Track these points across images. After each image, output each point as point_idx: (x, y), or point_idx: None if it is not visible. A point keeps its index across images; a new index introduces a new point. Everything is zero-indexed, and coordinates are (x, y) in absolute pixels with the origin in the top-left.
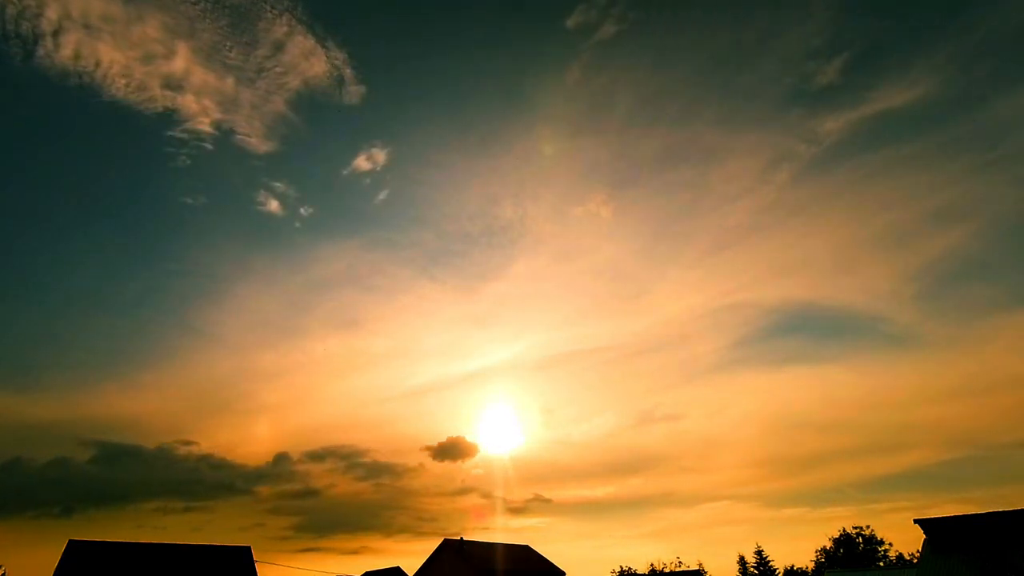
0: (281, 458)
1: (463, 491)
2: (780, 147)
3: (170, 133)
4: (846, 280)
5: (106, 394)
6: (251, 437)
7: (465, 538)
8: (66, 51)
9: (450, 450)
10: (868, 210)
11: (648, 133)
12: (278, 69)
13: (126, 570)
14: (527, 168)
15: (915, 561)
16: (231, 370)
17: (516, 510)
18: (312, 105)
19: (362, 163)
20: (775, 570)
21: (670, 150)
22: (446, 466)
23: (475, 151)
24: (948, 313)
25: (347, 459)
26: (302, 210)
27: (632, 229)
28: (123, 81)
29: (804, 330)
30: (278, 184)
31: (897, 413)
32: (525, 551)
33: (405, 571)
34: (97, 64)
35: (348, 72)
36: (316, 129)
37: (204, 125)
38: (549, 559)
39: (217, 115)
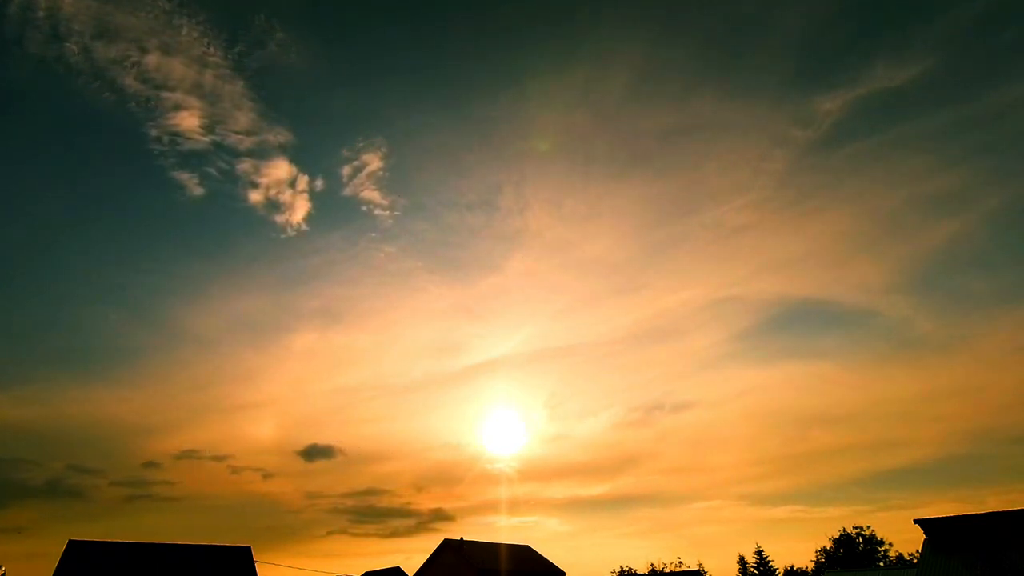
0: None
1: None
2: (777, 132)
3: (145, 130)
4: (842, 274)
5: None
6: (242, 435)
7: (465, 538)
8: (34, 51)
9: (316, 452)
10: (866, 200)
11: (645, 115)
12: (259, 64)
13: (126, 570)
14: (527, 156)
15: (915, 561)
16: (212, 369)
17: (506, 508)
18: (297, 97)
19: (350, 155)
20: (775, 570)
21: (668, 135)
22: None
23: (473, 137)
24: (946, 308)
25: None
26: (284, 203)
27: (627, 220)
28: (97, 83)
29: (801, 325)
30: (261, 179)
31: (895, 410)
32: (525, 551)
33: (405, 572)
34: (67, 65)
35: (334, 64)
36: (302, 121)
37: (183, 122)
38: (549, 559)
39: (196, 111)
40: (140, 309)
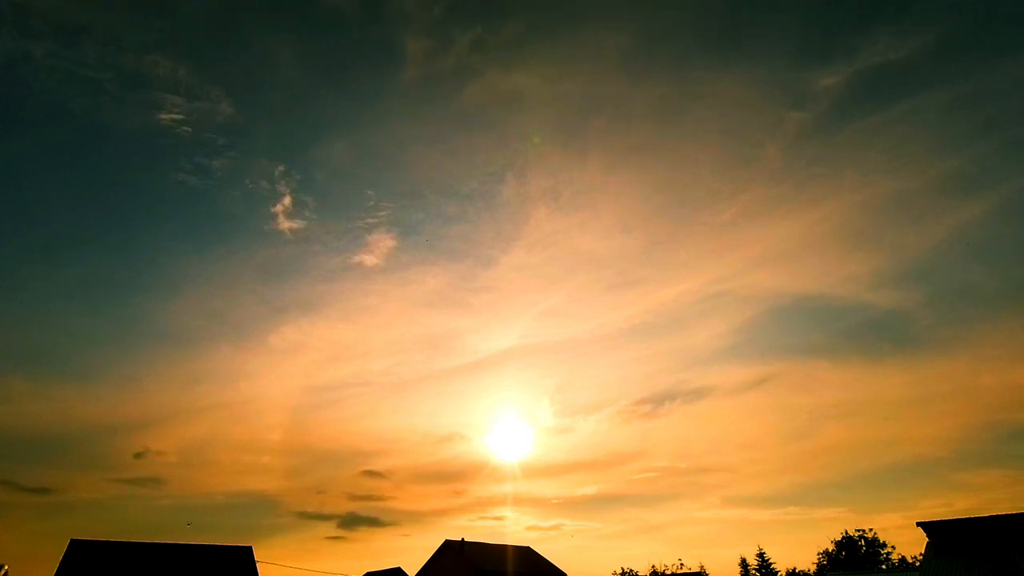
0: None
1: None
2: (774, 114)
3: (121, 127)
4: (840, 267)
5: None
6: (225, 433)
7: (466, 539)
8: (1, 49)
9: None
10: (866, 190)
11: (640, 86)
12: (243, 59)
13: (127, 569)
14: (525, 144)
15: (918, 564)
16: (191, 367)
17: (496, 507)
18: (279, 89)
19: (334, 145)
20: (776, 572)
21: (664, 123)
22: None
23: (470, 124)
24: (947, 303)
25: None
26: (267, 196)
27: (625, 214)
28: (69, 82)
29: (800, 321)
30: (243, 174)
31: (894, 407)
32: (526, 552)
33: (406, 572)
34: (35, 63)
35: (317, 53)
36: (284, 113)
37: (161, 118)
38: (551, 560)
39: (176, 107)
40: (122, 305)
